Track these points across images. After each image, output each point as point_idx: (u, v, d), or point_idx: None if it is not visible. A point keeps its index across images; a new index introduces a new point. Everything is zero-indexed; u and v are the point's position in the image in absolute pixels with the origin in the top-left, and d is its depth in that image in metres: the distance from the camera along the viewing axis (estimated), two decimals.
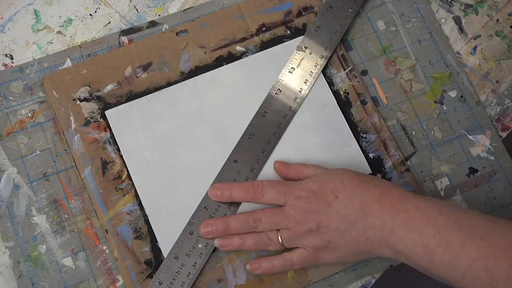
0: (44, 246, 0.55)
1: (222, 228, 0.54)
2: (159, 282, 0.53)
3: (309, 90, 0.60)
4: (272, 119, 0.59)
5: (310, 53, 0.60)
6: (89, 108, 0.58)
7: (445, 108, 0.62)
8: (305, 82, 0.60)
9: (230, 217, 0.55)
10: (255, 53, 0.61)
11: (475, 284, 0.46)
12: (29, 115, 0.59)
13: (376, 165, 0.59)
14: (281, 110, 0.59)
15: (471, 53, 0.65)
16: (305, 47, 0.61)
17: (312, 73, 0.60)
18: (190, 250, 0.54)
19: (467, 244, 0.46)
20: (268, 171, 0.58)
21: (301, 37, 0.62)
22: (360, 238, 0.51)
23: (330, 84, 0.61)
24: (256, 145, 0.58)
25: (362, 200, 0.51)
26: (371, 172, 0.58)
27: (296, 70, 0.60)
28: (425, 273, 0.50)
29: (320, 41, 0.61)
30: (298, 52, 0.61)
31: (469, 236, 0.46)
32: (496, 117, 0.63)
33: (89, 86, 0.59)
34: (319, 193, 0.52)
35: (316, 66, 0.60)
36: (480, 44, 0.65)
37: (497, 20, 0.66)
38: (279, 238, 0.53)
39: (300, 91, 0.60)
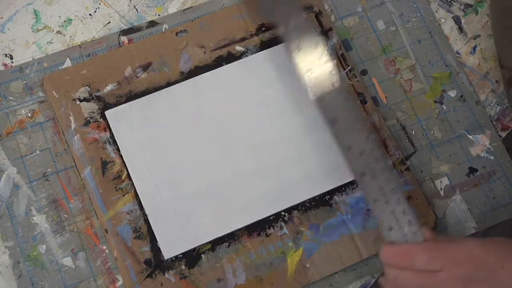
0: (44, 246, 0.55)
1: None
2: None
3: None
4: (333, 97, 0.53)
5: (294, 24, 0.55)
6: (89, 108, 0.58)
7: (444, 107, 0.62)
8: (317, 46, 0.55)
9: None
10: (254, 53, 0.61)
11: None
12: (29, 115, 0.59)
13: None
14: (329, 84, 0.53)
15: (470, 53, 0.65)
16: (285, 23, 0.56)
17: (315, 35, 0.55)
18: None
19: None
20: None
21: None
22: None
23: None
24: (349, 126, 0.52)
25: None
26: None
27: (301, 45, 0.56)
28: None
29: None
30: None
31: None
32: (495, 117, 0.63)
33: (89, 86, 0.59)
34: (481, 259, 0.45)
35: (310, 27, 0.56)
36: (479, 44, 0.65)
37: None
38: None
39: (323, 56, 0.54)
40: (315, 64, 0.54)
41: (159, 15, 0.63)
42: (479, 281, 0.44)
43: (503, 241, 0.46)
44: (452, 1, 0.66)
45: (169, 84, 0.60)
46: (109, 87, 0.59)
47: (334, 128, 0.52)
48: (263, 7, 0.55)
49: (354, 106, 0.53)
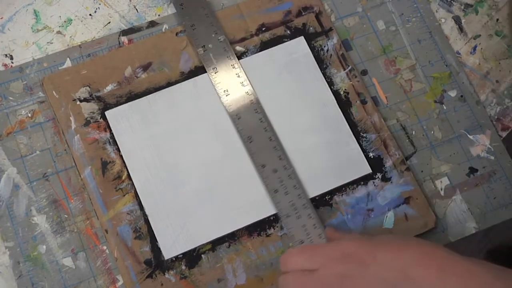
0: (44, 246, 0.55)
1: None
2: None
3: (246, 71, 0.60)
4: (249, 117, 0.58)
5: (211, 47, 0.60)
6: (89, 108, 0.58)
7: (445, 107, 0.62)
8: (233, 67, 0.60)
9: None
10: (255, 53, 0.61)
11: None
12: (29, 115, 0.59)
13: (376, 165, 0.59)
14: (245, 104, 0.59)
15: (471, 53, 0.65)
16: (202, 46, 0.60)
17: (230, 57, 0.60)
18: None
19: None
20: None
21: (301, 37, 0.62)
22: None
23: (330, 83, 0.61)
24: (264, 145, 0.57)
25: (405, 261, 0.45)
26: (371, 171, 0.58)
27: (217, 67, 0.60)
28: None
29: (202, 35, 0.61)
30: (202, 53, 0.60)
31: None
32: (496, 117, 0.63)
33: (89, 87, 0.59)
34: (355, 253, 0.47)
35: (226, 50, 0.60)
36: (480, 43, 0.65)
37: (497, 19, 0.66)
38: None
39: (238, 76, 0.59)
40: (231, 84, 0.59)
41: (159, 15, 0.63)
42: (354, 275, 0.46)
43: (372, 237, 0.49)
44: (452, 1, 0.66)
45: (169, 84, 0.60)
46: (109, 87, 0.59)
47: (249, 146, 0.57)
48: None
49: (268, 126, 0.58)
